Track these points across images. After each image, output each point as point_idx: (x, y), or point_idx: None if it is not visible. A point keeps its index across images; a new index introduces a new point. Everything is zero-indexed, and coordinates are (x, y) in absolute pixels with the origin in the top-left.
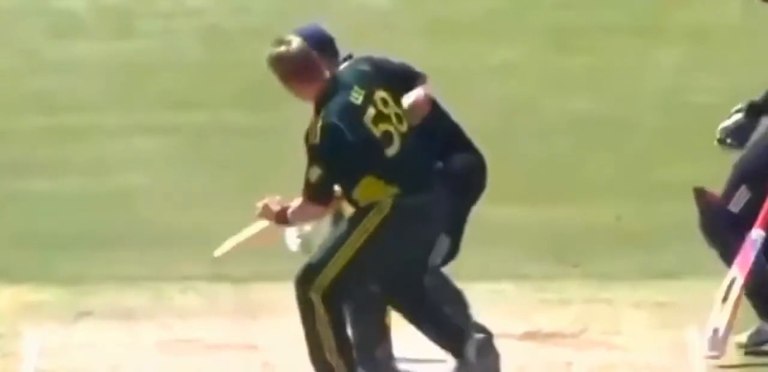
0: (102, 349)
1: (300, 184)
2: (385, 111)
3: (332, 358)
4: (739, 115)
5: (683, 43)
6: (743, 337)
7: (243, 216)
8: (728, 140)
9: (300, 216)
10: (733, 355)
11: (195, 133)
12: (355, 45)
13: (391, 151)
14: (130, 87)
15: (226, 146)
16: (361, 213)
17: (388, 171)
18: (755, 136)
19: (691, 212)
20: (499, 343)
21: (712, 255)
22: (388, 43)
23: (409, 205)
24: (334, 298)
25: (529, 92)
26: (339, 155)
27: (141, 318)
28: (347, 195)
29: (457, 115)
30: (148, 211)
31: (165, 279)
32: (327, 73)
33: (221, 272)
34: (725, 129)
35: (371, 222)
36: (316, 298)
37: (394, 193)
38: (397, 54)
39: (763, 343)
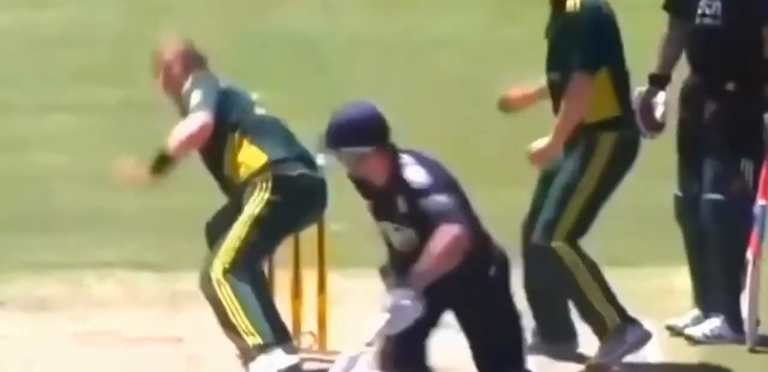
0: (15, 342)
1: None
2: None
3: (601, 306)
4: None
5: (636, 13)
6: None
7: (165, 199)
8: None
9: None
10: (687, 348)
11: (113, 111)
12: (294, 17)
13: None
14: (44, 61)
15: (146, 125)
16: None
17: None
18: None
19: (650, 197)
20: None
21: (668, 242)
22: (330, 16)
23: (630, 138)
24: (574, 242)
25: (474, 65)
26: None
27: (56, 308)
28: None
29: (403, 89)
30: (64, 194)
31: (82, 266)
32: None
33: (142, 259)
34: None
35: (598, 161)
36: (559, 245)
37: None
38: (339, 26)
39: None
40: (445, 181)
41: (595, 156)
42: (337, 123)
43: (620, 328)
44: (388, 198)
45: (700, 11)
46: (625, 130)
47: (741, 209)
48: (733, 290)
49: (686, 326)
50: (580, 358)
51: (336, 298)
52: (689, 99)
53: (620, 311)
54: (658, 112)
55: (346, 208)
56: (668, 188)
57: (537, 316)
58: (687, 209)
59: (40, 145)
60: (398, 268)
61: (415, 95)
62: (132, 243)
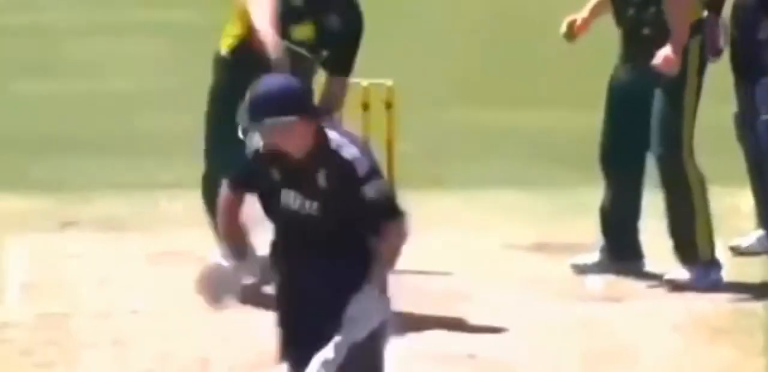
0: (89, 261)
1: None
2: None
3: (701, 232)
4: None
5: None
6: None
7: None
8: None
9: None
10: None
11: (186, 33)
12: None
13: None
14: None
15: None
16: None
17: None
18: None
19: (713, 117)
20: (508, 254)
21: (733, 163)
22: None
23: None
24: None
25: None
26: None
27: (129, 228)
28: None
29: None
30: (137, 116)
31: (156, 187)
32: None
33: None
34: None
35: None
36: (688, 161)
37: None
38: None
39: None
40: (376, 168)
41: (689, 64)
42: (258, 96)
43: (708, 264)
44: (304, 171)
45: None
46: (703, 33)
47: None
48: None
49: (750, 247)
50: (645, 277)
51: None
52: (741, 17)
53: (713, 246)
54: (720, 38)
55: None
56: (731, 107)
57: (606, 234)
58: (746, 129)
59: (117, 69)
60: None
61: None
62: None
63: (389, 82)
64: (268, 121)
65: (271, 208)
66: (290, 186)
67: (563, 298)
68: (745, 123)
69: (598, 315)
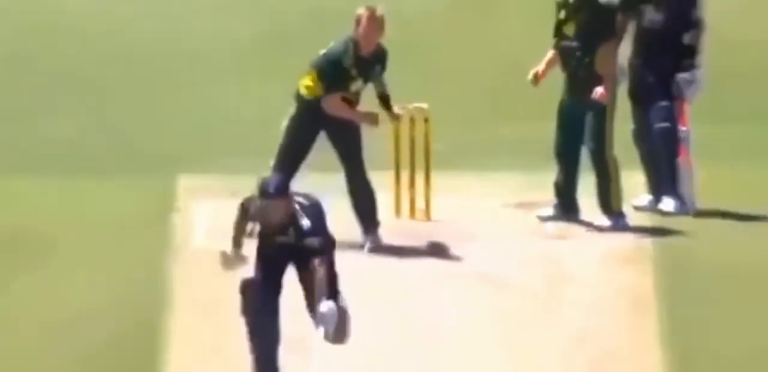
0: None
1: None
2: None
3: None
4: None
5: None
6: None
7: None
8: None
9: None
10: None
11: None
12: None
13: None
14: None
15: None
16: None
17: None
18: None
19: None
20: (503, 210)
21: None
22: None
23: None
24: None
25: None
26: None
27: None
28: None
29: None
30: None
31: None
32: None
33: None
34: None
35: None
36: (609, 155)
37: None
38: None
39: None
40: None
41: (611, 95)
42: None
43: (619, 215)
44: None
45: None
46: None
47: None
48: (675, 182)
49: (643, 206)
50: (582, 224)
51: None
52: (635, 62)
53: (621, 204)
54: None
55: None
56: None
57: (558, 197)
58: (640, 138)
59: None
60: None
61: None
62: None
63: (425, 105)
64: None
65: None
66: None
67: (533, 236)
68: (641, 134)
69: (553, 247)
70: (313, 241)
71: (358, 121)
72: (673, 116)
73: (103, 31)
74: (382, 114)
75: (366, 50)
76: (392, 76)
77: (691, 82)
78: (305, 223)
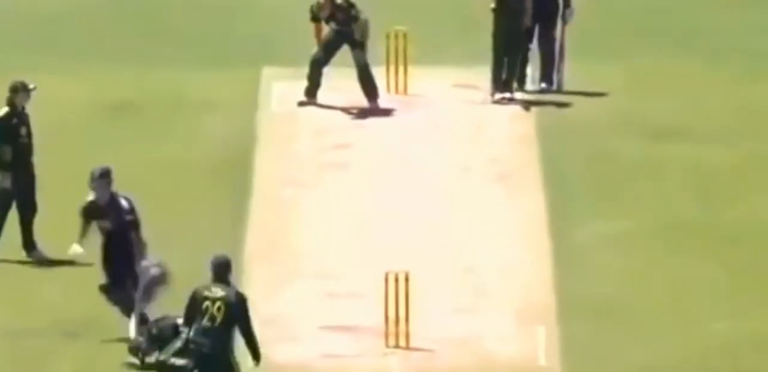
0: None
1: None
2: None
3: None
4: None
5: None
6: None
7: None
8: None
9: None
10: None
11: None
12: None
13: None
14: None
15: None
16: None
17: None
18: None
19: None
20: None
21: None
22: None
23: None
24: None
25: None
26: None
27: None
28: None
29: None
30: None
31: None
32: None
33: None
34: None
35: None
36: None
37: None
38: None
39: None
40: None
41: None
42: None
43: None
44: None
45: None
46: None
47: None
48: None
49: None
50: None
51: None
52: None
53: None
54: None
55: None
56: None
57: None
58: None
59: None
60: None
61: None
62: None
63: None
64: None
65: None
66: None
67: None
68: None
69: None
70: (131, 218)
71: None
72: (556, 36)
73: None
74: None
75: None
76: None
77: (572, 13)
78: (123, 203)
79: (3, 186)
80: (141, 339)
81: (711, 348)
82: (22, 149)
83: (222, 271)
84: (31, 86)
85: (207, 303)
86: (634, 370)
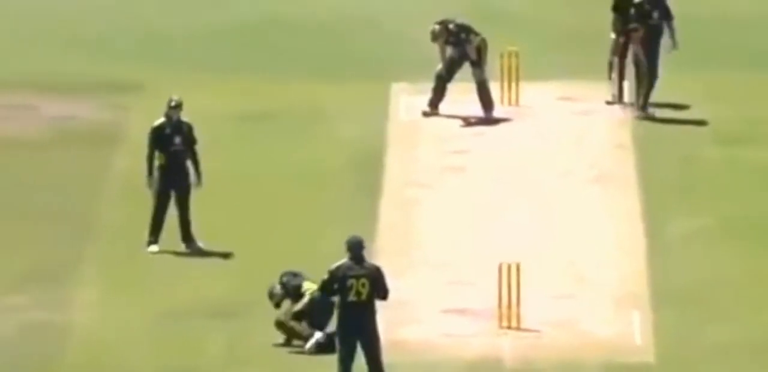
0: None
1: None
2: None
3: None
4: None
5: None
6: None
7: None
8: None
9: None
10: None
11: None
12: None
13: None
14: None
15: None
16: None
17: None
18: None
19: None
20: None
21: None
22: None
23: None
24: None
25: None
26: None
27: None
28: None
29: None
30: None
31: None
32: None
33: None
34: None
35: None
36: None
37: None
38: None
39: None
40: None
41: None
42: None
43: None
44: None
45: None
46: None
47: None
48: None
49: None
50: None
51: None
52: None
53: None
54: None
55: None
56: None
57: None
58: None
59: None
60: None
61: None
62: None
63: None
64: None
65: None
66: None
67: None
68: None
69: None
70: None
71: None
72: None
73: None
74: None
75: None
76: None
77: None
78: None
79: (160, 187)
80: (278, 289)
81: None
82: (176, 155)
83: (359, 249)
84: (178, 100)
85: (351, 281)
86: (717, 348)
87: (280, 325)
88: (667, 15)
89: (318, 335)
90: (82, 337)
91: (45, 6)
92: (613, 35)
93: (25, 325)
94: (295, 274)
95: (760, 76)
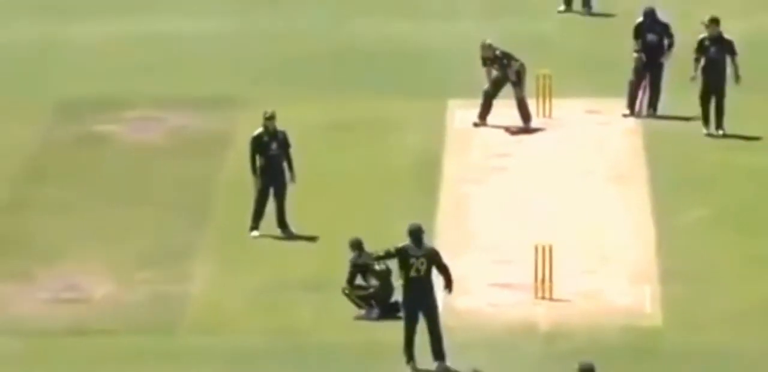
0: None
1: None
2: None
3: None
4: None
5: None
6: None
7: None
8: None
9: None
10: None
11: None
12: None
13: None
14: None
15: None
16: None
17: None
18: None
19: None
20: None
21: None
22: None
23: None
24: None
25: None
26: None
27: None
28: None
29: None
30: None
31: None
32: None
33: None
34: None
35: None
36: None
37: None
38: None
39: None
40: None
41: None
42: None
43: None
44: None
45: None
46: None
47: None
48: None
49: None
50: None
51: None
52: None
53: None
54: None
55: None
56: None
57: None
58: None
59: None
60: None
61: None
62: None
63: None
64: None
65: None
66: None
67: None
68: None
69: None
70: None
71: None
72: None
73: None
74: None
75: None
76: None
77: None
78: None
79: (261, 184)
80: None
81: None
82: (273, 158)
83: (419, 233)
84: (271, 112)
85: (413, 260)
86: (713, 315)
87: (344, 293)
88: (730, 51)
89: (375, 310)
90: (198, 305)
91: (171, 35)
92: (635, 55)
93: (154, 295)
94: (368, 256)
95: (748, 97)
